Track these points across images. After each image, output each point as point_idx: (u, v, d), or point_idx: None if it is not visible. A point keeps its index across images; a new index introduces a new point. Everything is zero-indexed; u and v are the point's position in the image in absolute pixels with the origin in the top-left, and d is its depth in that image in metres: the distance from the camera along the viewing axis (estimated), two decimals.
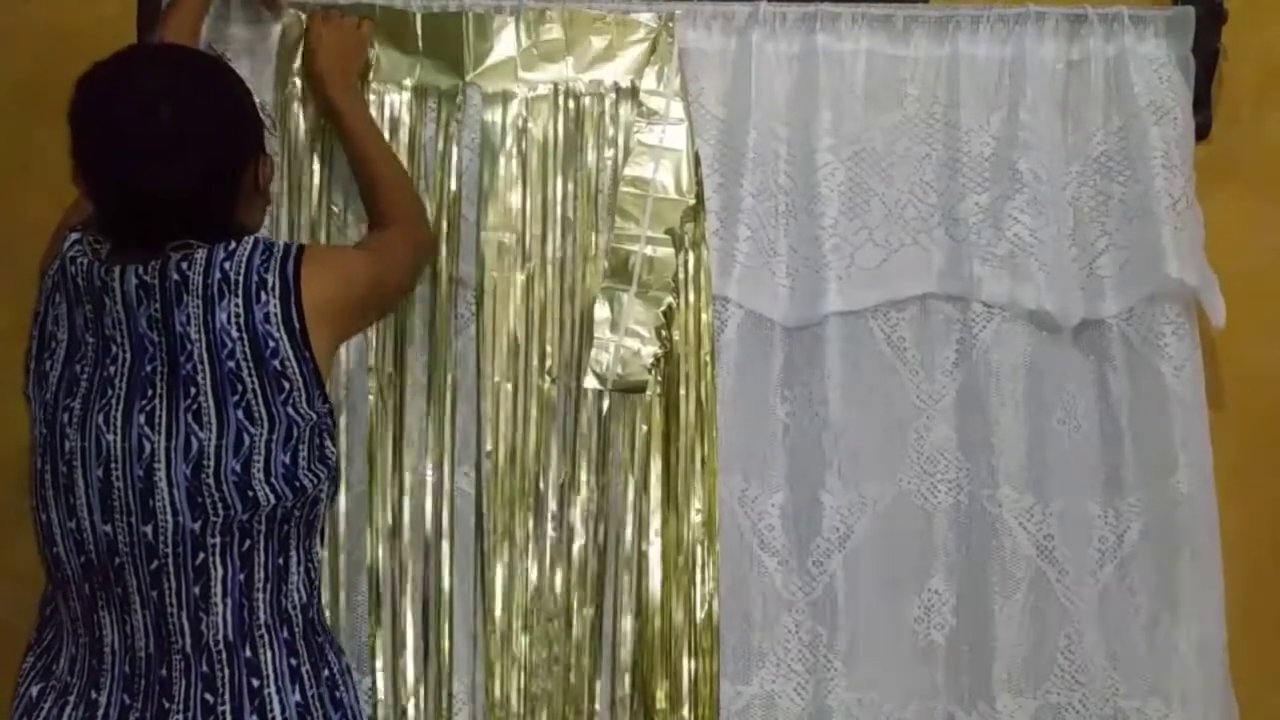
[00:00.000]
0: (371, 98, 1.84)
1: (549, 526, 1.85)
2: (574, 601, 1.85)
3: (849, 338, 1.89)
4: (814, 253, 1.87)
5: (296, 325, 1.43)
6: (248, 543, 1.42)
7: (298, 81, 1.83)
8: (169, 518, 1.39)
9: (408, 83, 1.84)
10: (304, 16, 1.83)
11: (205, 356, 1.40)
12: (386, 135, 1.83)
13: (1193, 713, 1.89)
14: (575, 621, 1.85)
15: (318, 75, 1.77)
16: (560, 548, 1.85)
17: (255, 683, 1.43)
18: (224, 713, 1.41)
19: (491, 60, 1.85)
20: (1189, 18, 1.89)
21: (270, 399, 1.41)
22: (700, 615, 1.84)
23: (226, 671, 1.42)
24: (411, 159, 1.84)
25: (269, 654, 1.44)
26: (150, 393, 1.40)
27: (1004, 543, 1.87)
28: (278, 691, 1.43)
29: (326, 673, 1.49)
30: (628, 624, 1.84)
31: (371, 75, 1.84)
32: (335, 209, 1.85)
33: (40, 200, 2.01)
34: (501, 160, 1.84)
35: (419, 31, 1.83)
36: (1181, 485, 1.89)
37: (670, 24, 1.85)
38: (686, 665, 1.84)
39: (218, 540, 1.40)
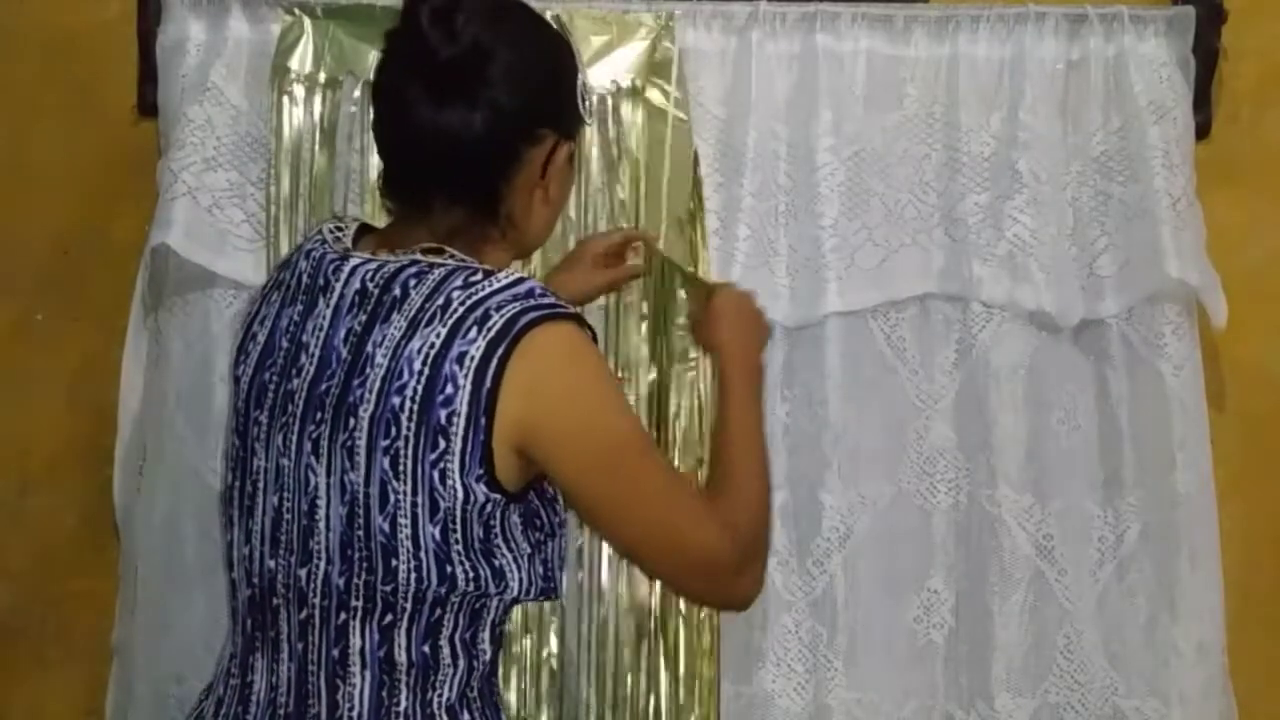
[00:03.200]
0: None
1: None
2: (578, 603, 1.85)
3: (849, 338, 1.89)
4: (814, 253, 1.87)
5: (489, 383, 1.15)
6: (389, 617, 1.19)
7: (296, 82, 1.83)
8: (321, 564, 1.20)
9: None
10: (307, 20, 1.83)
11: (377, 386, 1.16)
12: None
13: (1192, 712, 1.89)
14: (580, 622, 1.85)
15: (718, 347, 1.50)
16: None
17: None
18: None
19: None
20: (1189, 18, 1.89)
21: (421, 454, 1.15)
22: (700, 615, 1.84)
23: None
24: None
25: None
26: (319, 416, 1.19)
27: (1003, 543, 1.87)
28: None
29: None
30: (630, 624, 1.84)
31: (373, 74, 1.82)
32: (336, 213, 1.85)
33: (40, 200, 2.03)
34: None
35: None
36: (1181, 485, 1.89)
37: (670, 23, 1.84)
38: (686, 665, 1.84)
39: (360, 604, 1.19)
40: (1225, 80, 1.97)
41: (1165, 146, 1.86)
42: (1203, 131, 1.93)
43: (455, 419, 1.15)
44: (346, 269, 1.22)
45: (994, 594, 1.87)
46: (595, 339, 1.24)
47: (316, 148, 1.84)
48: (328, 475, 1.18)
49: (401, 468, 1.16)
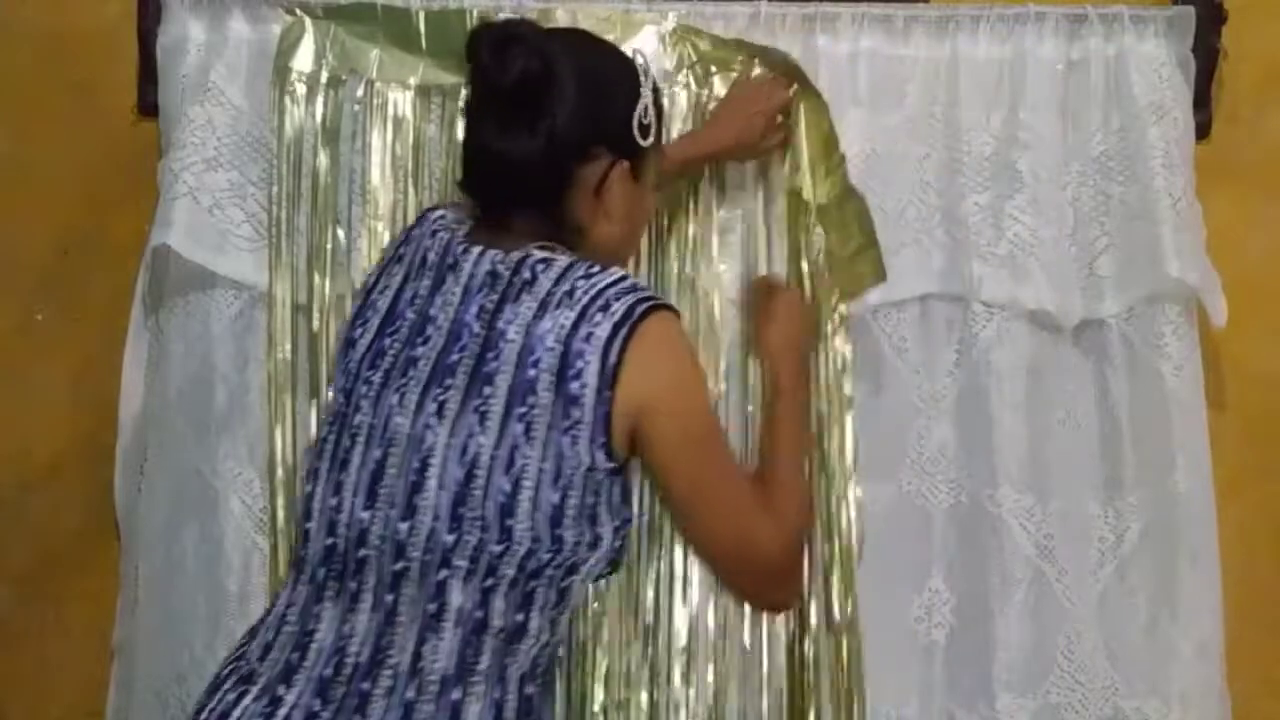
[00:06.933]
0: (375, 97, 1.83)
1: None
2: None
3: (849, 338, 1.89)
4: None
5: (614, 359, 1.29)
6: (490, 580, 1.28)
7: (297, 82, 1.83)
8: (427, 520, 1.28)
9: (411, 81, 1.83)
10: (308, 19, 1.83)
11: (514, 359, 1.29)
12: (390, 135, 1.83)
13: (1192, 712, 1.89)
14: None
15: (770, 350, 1.66)
16: None
17: None
18: None
19: None
20: (1189, 18, 1.89)
21: (554, 422, 1.28)
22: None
23: (431, 708, 1.26)
24: (415, 158, 1.84)
25: (477, 707, 1.28)
26: (449, 381, 1.31)
27: (1004, 543, 1.87)
28: None
29: None
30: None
31: (375, 74, 1.83)
32: (338, 214, 1.85)
33: (40, 200, 2.03)
34: None
35: (422, 30, 1.82)
36: (1181, 485, 1.89)
37: (674, 24, 1.85)
38: None
39: (464, 564, 1.28)
40: (1225, 80, 1.97)
41: (1165, 146, 1.86)
42: (1203, 131, 1.93)
43: (586, 390, 1.28)
44: (475, 252, 1.36)
45: (995, 594, 1.87)
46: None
47: (318, 147, 1.83)
48: (450, 436, 1.29)
49: (534, 434, 1.28)
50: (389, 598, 1.29)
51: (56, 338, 2.02)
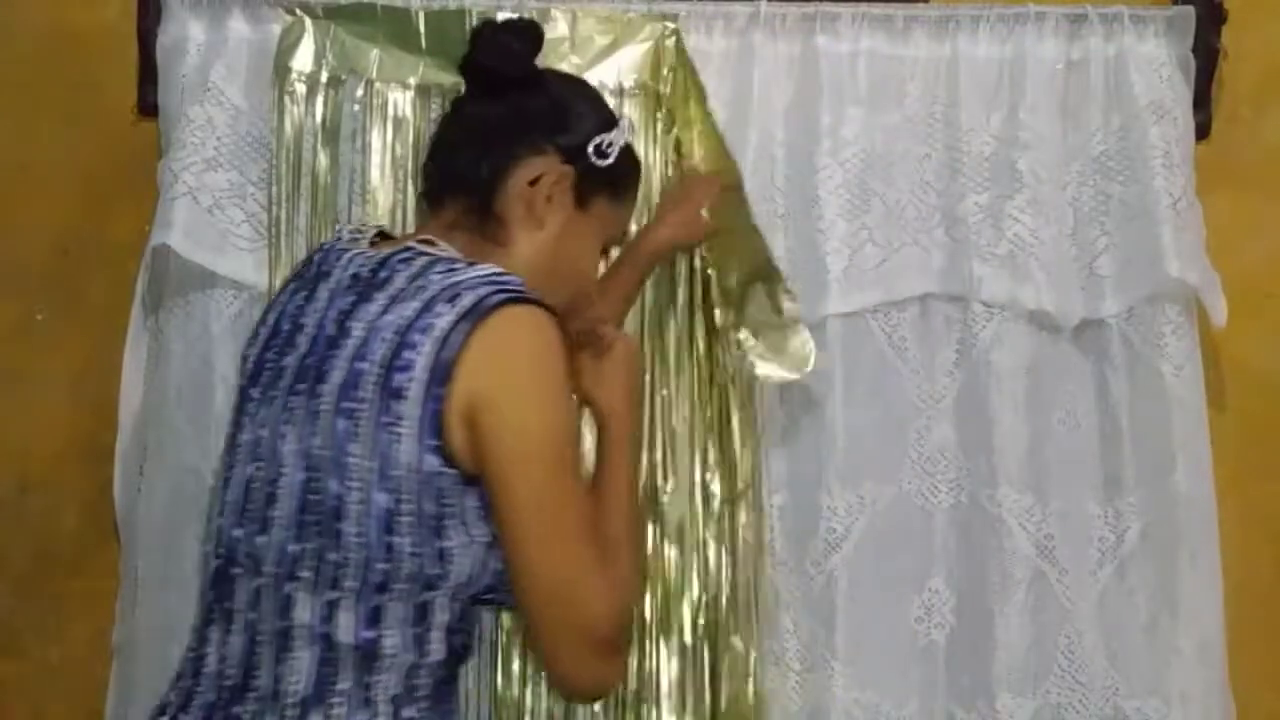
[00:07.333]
0: (375, 97, 1.83)
1: None
2: None
3: (849, 338, 1.89)
4: (813, 254, 1.87)
5: (450, 353, 1.17)
6: (334, 592, 1.20)
7: (297, 82, 1.83)
8: (279, 531, 1.21)
9: (411, 81, 1.83)
10: (308, 19, 1.83)
11: (350, 354, 1.21)
12: (390, 134, 1.82)
13: (1192, 713, 1.89)
14: None
15: (613, 402, 1.45)
16: None
17: None
18: None
19: None
20: (1189, 18, 1.89)
21: (377, 417, 1.18)
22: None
23: None
24: (415, 158, 1.83)
25: None
26: (299, 387, 1.24)
27: (1004, 543, 1.87)
28: None
29: None
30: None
31: (375, 74, 1.83)
32: (338, 214, 1.84)
33: (40, 200, 2.03)
34: None
35: (421, 30, 1.82)
36: (1181, 485, 1.88)
37: (675, 24, 1.84)
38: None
39: (309, 575, 1.20)
40: (1225, 80, 1.97)
41: (1165, 146, 1.86)
42: (1203, 131, 1.93)
43: (412, 384, 1.17)
44: (346, 257, 1.31)
45: (995, 594, 1.86)
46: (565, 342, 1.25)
47: (318, 147, 1.83)
48: (296, 442, 1.22)
49: (358, 430, 1.18)
50: (252, 616, 1.23)
51: (56, 338, 2.02)
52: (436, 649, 1.24)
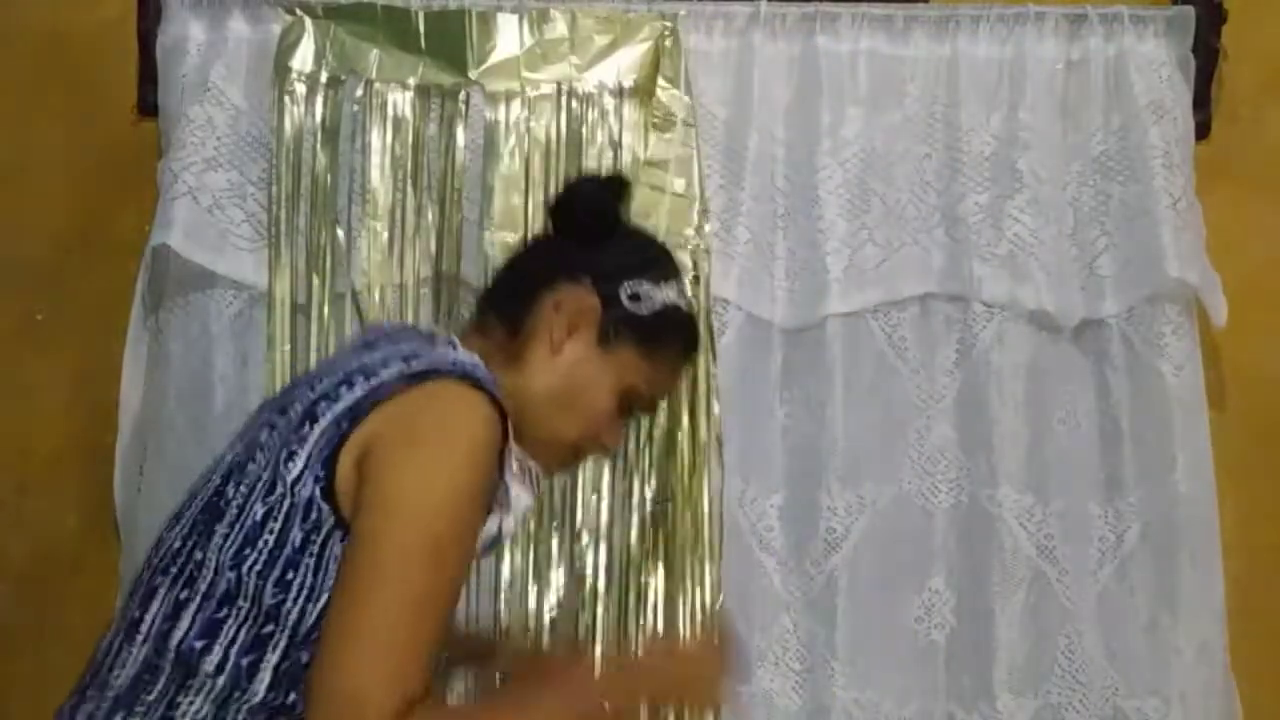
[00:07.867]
0: (374, 97, 1.83)
1: (552, 528, 1.84)
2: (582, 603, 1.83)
3: (849, 338, 1.89)
4: (814, 254, 1.87)
5: (372, 397, 1.17)
6: (186, 591, 1.17)
7: (297, 82, 1.83)
8: (180, 528, 1.21)
9: (410, 81, 1.83)
10: (308, 19, 1.83)
11: (310, 388, 1.22)
12: (389, 135, 1.82)
13: (1193, 712, 1.89)
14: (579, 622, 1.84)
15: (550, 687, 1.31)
16: (564, 549, 1.85)
17: None
18: None
19: (494, 59, 1.84)
20: (1189, 18, 1.90)
21: (287, 433, 1.18)
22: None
23: None
24: (414, 158, 1.84)
25: None
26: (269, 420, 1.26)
27: (1004, 543, 1.87)
28: None
29: None
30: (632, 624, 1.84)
31: (375, 74, 1.83)
32: (338, 214, 1.84)
33: (40, 200, 2.03)
34: (504, 159, 1.84)
35: (421, 30, 1.83)
36: (1181, 485, 1.89)
37: (674, 24, 1.84)
38: None
39: (175, 569, 1.19)
40: (1225, 80, 1.97)
41: (1165, 146, 1.87)
42: (1203, 131, 1.93)
43: (327, 414, 1.16)
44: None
45: (995, 594, 1.87)
46: (507, 436, 1.22)
47: (318, 147, 1.83)
48: (232, 452, 1.23)
49: (270, 441, 1.18)
50: (130, 605, 1.22)
51: (56, 338, 2.02)
52: (261, 689, 1.16)
